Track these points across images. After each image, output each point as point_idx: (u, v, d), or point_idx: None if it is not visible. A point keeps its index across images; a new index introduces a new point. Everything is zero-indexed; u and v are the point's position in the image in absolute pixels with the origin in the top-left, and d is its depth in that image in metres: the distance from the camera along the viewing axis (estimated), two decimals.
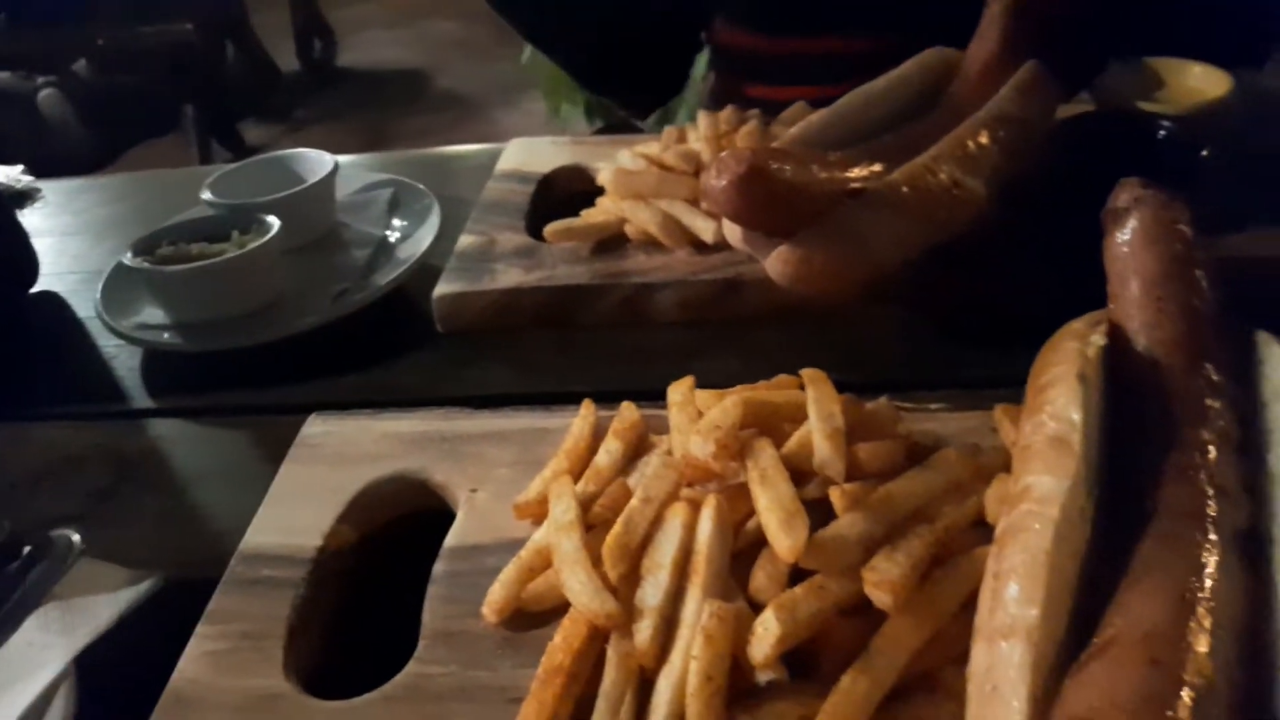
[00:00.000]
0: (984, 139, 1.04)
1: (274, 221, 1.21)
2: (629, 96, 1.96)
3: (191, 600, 0.80)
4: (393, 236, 1.34)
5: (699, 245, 1.16)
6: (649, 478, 0.74)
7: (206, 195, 1.28)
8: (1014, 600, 0.56)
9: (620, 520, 0.73)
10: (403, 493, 0.90)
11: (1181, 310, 0.73)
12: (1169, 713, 0.47)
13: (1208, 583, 0.55)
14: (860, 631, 0.65)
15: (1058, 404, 0.66)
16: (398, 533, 0.90)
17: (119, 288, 1.25)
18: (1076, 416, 0.64)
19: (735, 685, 0.65)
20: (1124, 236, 0.80)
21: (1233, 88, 1.18)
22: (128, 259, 1.17)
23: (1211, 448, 0.64)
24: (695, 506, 0.72)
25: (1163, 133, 1.11)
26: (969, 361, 1.04)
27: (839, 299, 1.04)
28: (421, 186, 1.40)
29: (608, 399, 0.91)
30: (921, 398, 0.94)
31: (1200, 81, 1.22)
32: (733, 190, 0.93)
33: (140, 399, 1.15)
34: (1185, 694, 0.48)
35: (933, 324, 1.10)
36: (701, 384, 0.88)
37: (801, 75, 1.59)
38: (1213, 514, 0.60)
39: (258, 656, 0.74)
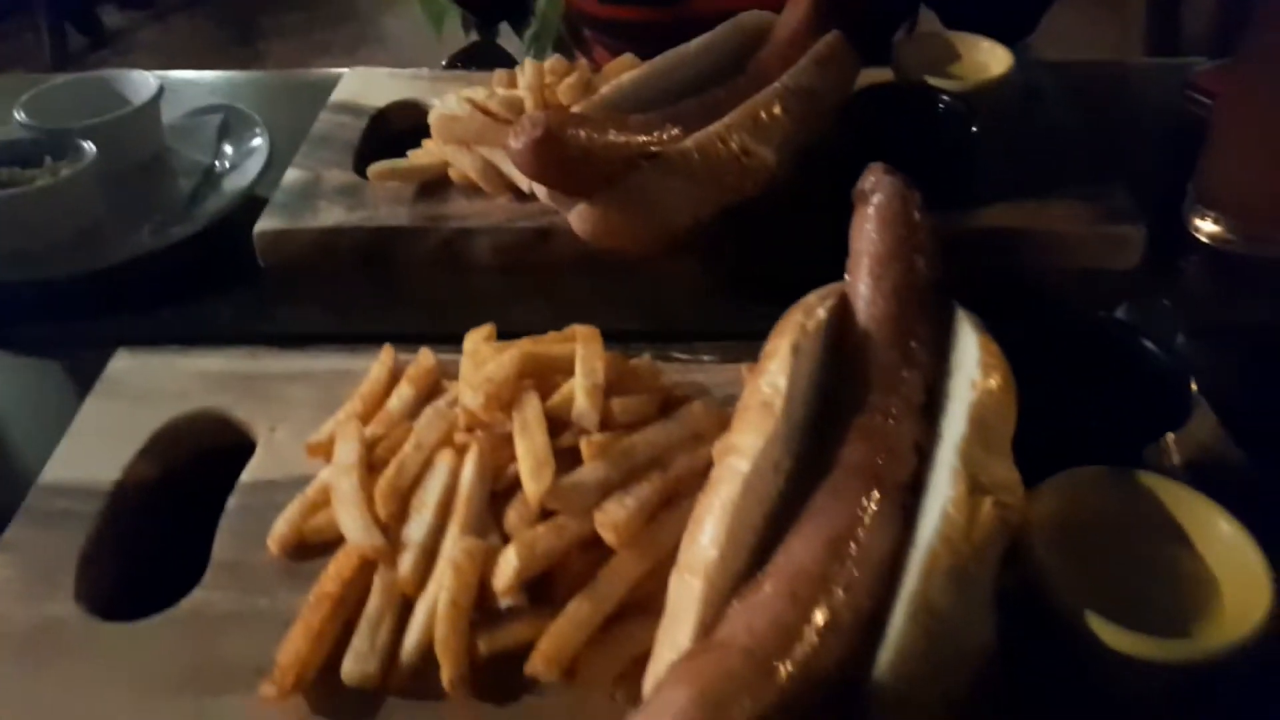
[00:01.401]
0: (777, 109, 1.13)
1: (90, 148, 1.21)
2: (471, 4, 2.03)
3: None
4: (220, 166, 1.34)
5: (518, 193, 1.22)
6: (421, 426, 0.82)
7: (20, 116, 1.25)
8: (702, 541, 0.67)
9: (393, 464, 0.80)
10: (205, 429, 0.95)
11: (895, 289, 0.83)
12: (796, 639, 0.58)
13: (859, 529, 0.67)
14: (593, 564, 0.75)
15: (771, 372, 0.76)
16: (204, 467, 0.95)
17: None
18: (782, 384, 0.74)
19: (483, 610, 0.75)
20: (863, 216, 0.90)
21: (1013, 65, 1.29)
22: None
23: (894, 412, 0.76)
24: (463, 452, 0.80)
25: (942, 106, 1.21)
26: (753, 315, 1.15)
27: (640, 253, 1.13)
28: (253, 114, 1.40)
29: (422, 341, 0.97)
30: (700, 349, 1.04)
31: (987, 57, 1.33)
32: (529, 153, 0.99)
33: None
34: (812, 624, 0.60)
35: (725, 280, 1.19)
36: (514, 329, 0.94)
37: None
38: (878, 470, 0.71)
39: (48, 585, 0.80)
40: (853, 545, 0.66)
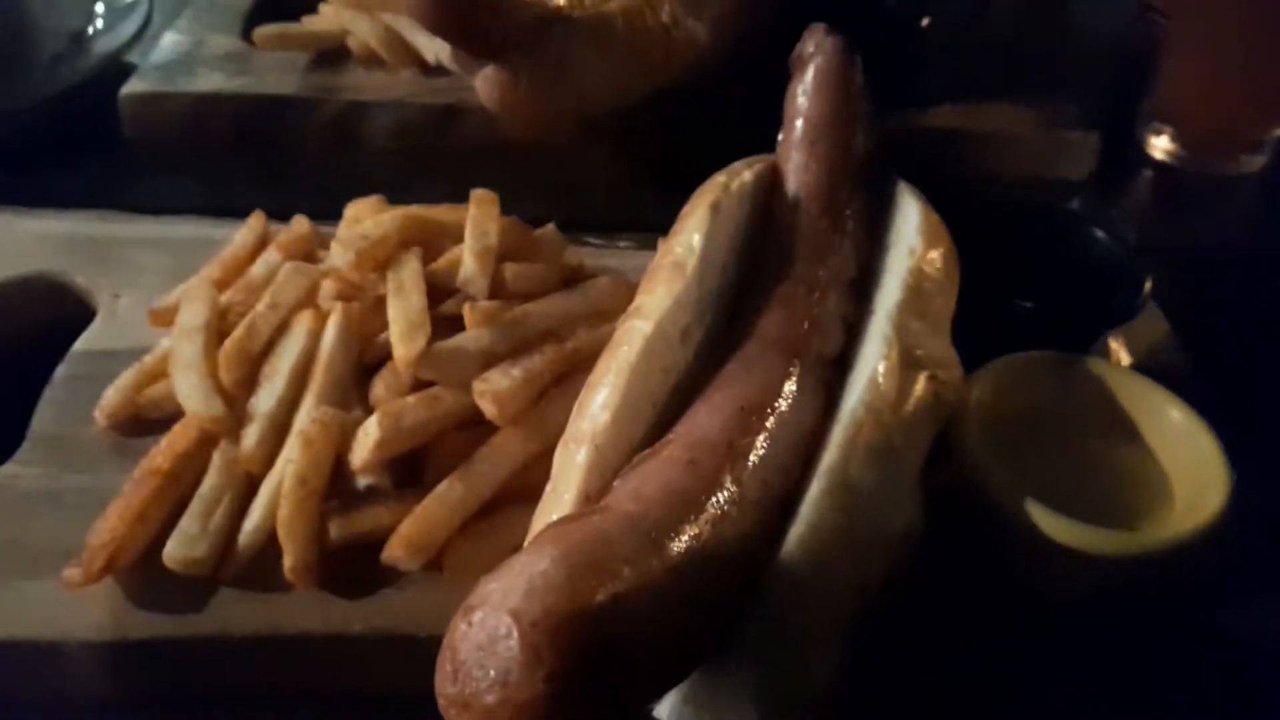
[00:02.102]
0: None
1: None
2: None
3: None
4: (92, 28, 1.19)
5: (424, 67, 1.10)
6: (279, 283, 0.71)
7: None
8: (593, 408, 0.57)
9: (243, 325, 0.69)
10: (40, 294, 0.82)
11: (829, 154, 0.74)
12: (691, 509, 0.49)
13: (774, 400, 0.58)
14: (471, 444, 0.65)
15: (685, 231, 0.67)
16: (39, 337, 0.82)
17: None
18: (696, 242, 0.65)
19: (340, 492, 0.64)
20: (800, 81, 0.80)
21: None
22: None
23: (821, 283, 0.67)
24: (325, 315, 0.69)
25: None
26: (678, 208, 1.05)
27: (553, 134, 1.02)
28: None
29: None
30: (618, 237, 0.94)
31: None
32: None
33: None
34: (711, 495, 0.51)
35: (648, 169, 1.09)
36: None
37: None
38: (798, 341, 0.62)
39: None
40: (766, 417, 0.57)
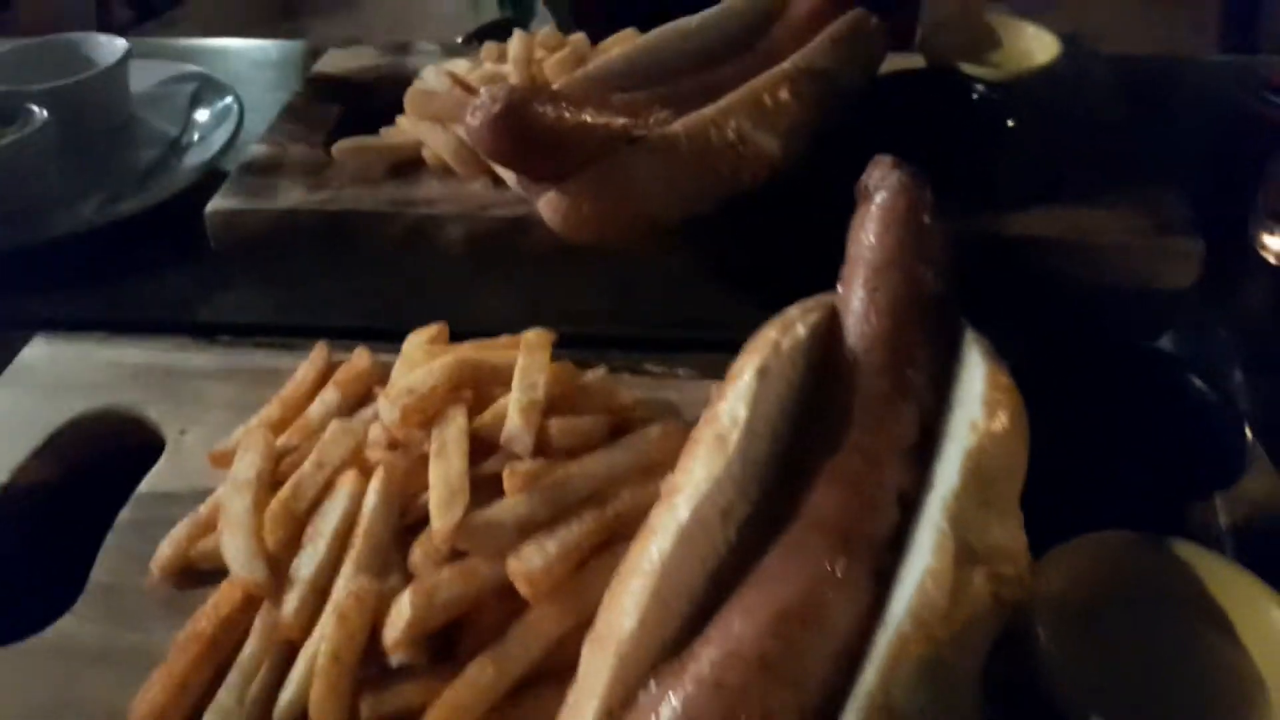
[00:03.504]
0: (784, 94, 0.99)
1: (41, 114, 1.12)
2: None
3: None
4: (187, 137, 1.25)
5: (495, 177, 1.10)
6: (325, 441, 0.71)
7: None
8: (621, 606, 0.55)
9: (289, 484, 0.69)
10: (112, 428, 0.85)
11: (892, 304, 0.70)
12: None
13: (816, 602, 0.54)
14: (509, 613, 0.63)
15: (730, 398, 0.64)
16: (109, 469, 0.85)
17: None
18: (742, 414, 0.62)
19: (375, 665, 0.63)
20: (863, 217, 0.77)
21: (1060, 54, 1.14)
22: None
23: (878, 455, 0.63)
24: (368, 475, 0.69)
25: (976, 97, 1.07)
26: (747, 323, 1.02)
27: (623, 246, 1.01)
28: (227, 84, 1.30)
29: (381, 337, 0.86)
30: (678, 361, 0.92)
31: (1031, 44, 1.18)
32: (487, 130, 0.88)
33: None
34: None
35: (717, 279, 1.06)
36: (480, 325, 0.84)
37: None
38: (847, 526, 0.58)
39: None
40: (805, 624, 0.53)
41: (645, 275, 1.06)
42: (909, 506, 0.61)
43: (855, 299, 0.72)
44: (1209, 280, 1.00)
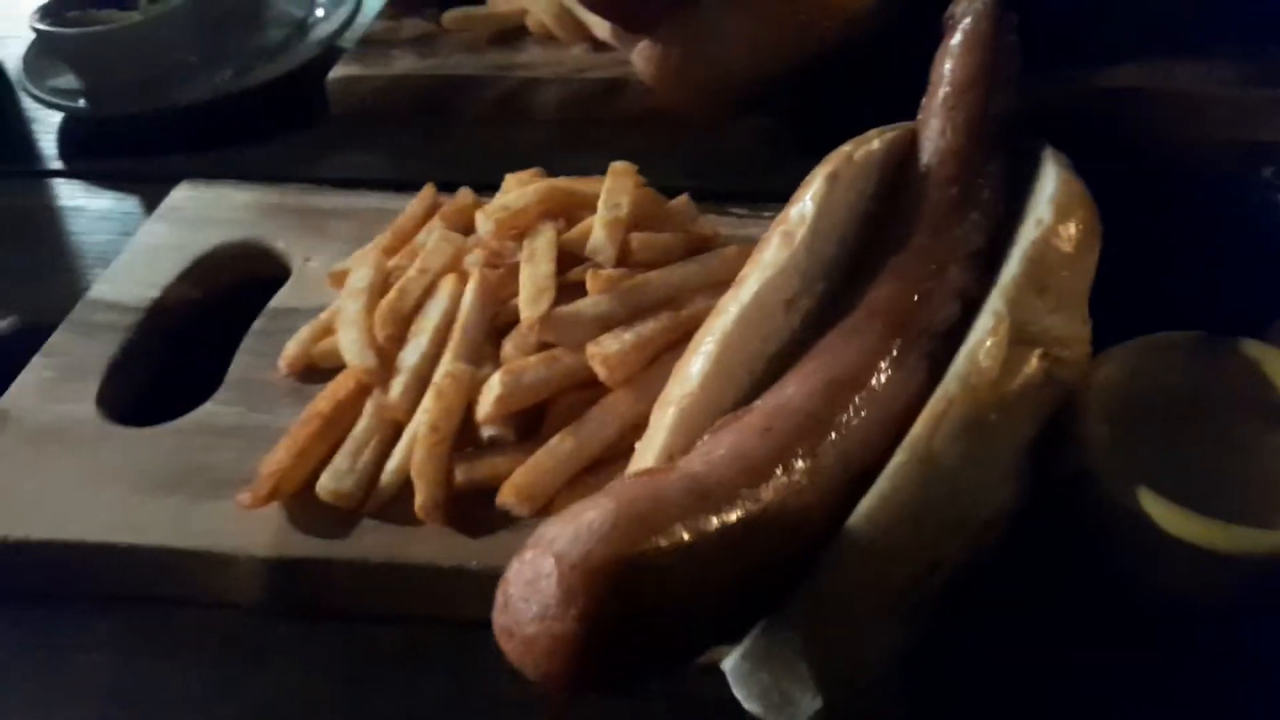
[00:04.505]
0: None
1: None
2: None
3: (41, 341, 0.87)
4: (313, 16, 1.33)
5: (594, 42, 1.14)
6: (428, 250, 0.78)
7: None
8: (688, 374, 0.59)
9: (396, 287, 0.77)
10: (246, 257, 0.94)
11: (969, 120, 0.71)
12: (758, 475, 0.50)
13: (868, 374, 0.57)
14: (588, 403, 0.69)
15: (801, 199, 0.67)
16: (244, 293, 0.95)
17: (43, 52, 1.27)
18: (809, 210, 0.65)
19: (470, 441, 0.70)
20: (947, 44, 0.77)
21: None
22: (33, 20, 1.19)
23: (941, 256, 0.65)
24: (466, 279, 0.75)
25: None
26: None
27: (708, 105, 1.03)
28: None
29: (478, 191, 0.92)
30: (765, 208, 0.95)
31: None
32: None
33: (49, 160, 1.20)
34: (784, 462, 0.51)
35: (798, 136, 1.07)
36: None
37: None
38: (905, 314, 0.61)
39: (76, 387, 0.81)
40: (856, 390, 0.57)
41: (728, 137, 1.08)
42: (970, 307, 0.63)
43: (933, 118, 0.73)
44: None
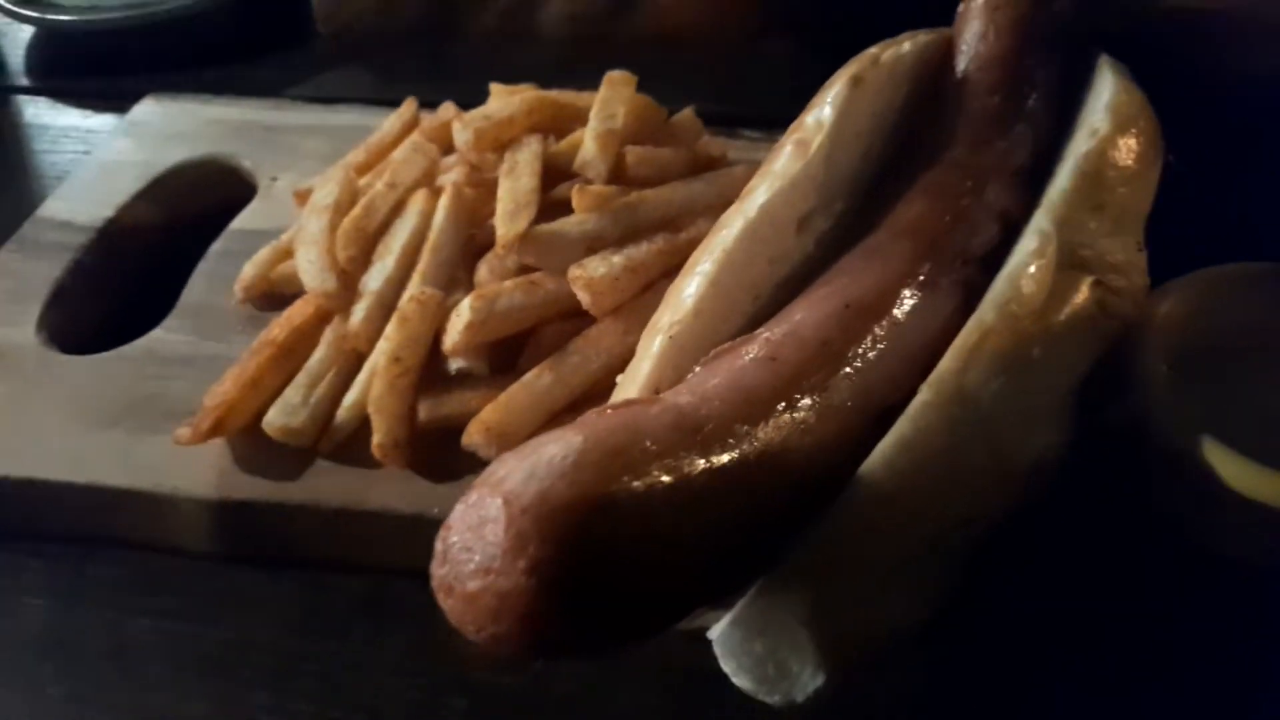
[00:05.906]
0: None
1: None
2: None
3: None
4: None
5: None
6: (397, 162, 0.70)
7: None
8: (681, 298, 0.51)
9: (361, 203, 0.68)
10: (209, 176, 0.87)
11: (1014, 23, 0.62)
12: (759, 410, 0.43)
13: (890, 298, 0.49)
14: (570, 334, 0.61)
15: (819, 104, 0.58)
16: (209, 214, 0.87)
17: None
18: (828, 117, 0.57)
19: (437, 376, 0.63)
20: None
21: None
22: None
23: (981, 171, 0.56)
24: (439, 196, 0.67)
25: None
26: None
27: (730, 20, 0.94)
28: None
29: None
30: (776, 131, 0.86)
31: None
32: None
33: (16, 76, 1.12)
34: (790, 395, 0.43)
35: (818, 58, 0.98)
36: None
37: None
38: (938, 234, 0.52)
39: (16, 309, 0.74)
40: (876, 316, 0.48)
41: (742, 57, 1.00)
42: (1013, 229, 0.55)
43: (974, 19, 0.64)
44: None
